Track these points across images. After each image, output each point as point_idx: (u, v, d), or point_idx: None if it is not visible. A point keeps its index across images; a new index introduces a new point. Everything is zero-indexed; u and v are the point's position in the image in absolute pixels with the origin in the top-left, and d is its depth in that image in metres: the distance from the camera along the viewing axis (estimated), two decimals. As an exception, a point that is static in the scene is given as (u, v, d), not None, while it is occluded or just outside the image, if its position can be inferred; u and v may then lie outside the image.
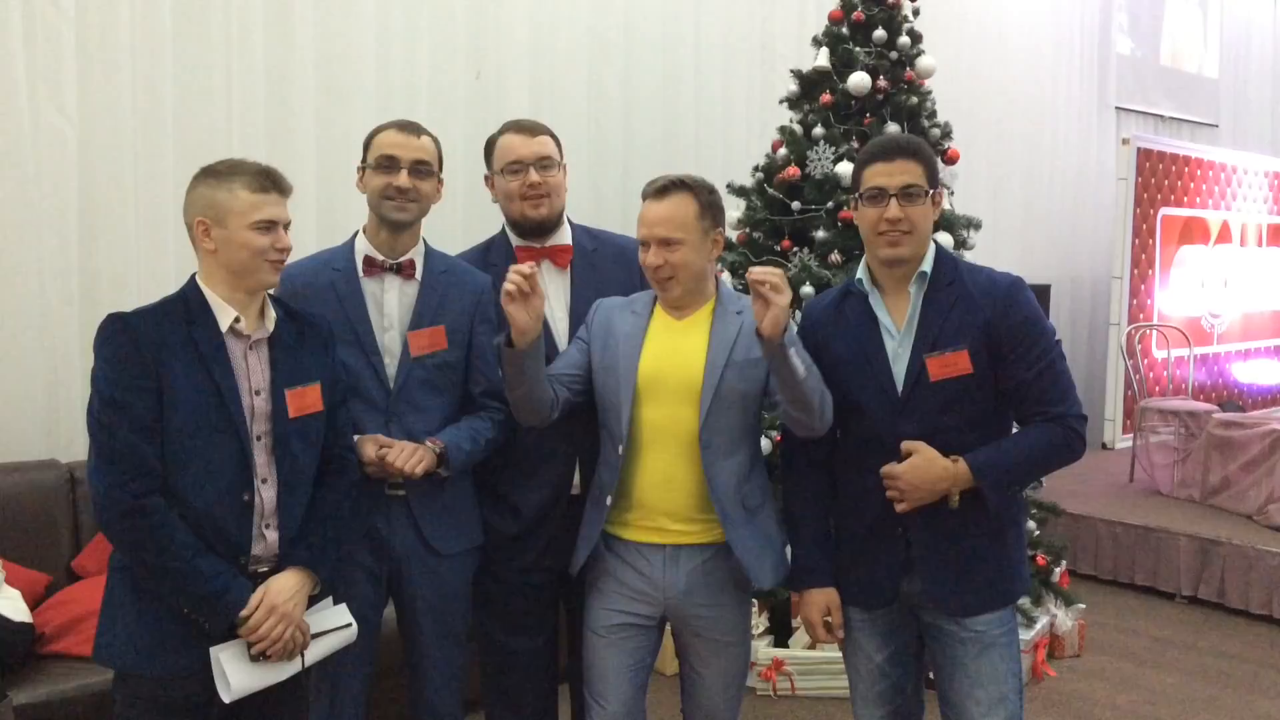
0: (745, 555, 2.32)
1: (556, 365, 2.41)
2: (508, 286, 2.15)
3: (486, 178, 2.68)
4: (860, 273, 2.32)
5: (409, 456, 2.31)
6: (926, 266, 2.26)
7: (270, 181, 2.11)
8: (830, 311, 2.36)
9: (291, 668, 2.14)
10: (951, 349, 2.20)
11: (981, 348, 2.21)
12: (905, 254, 2.23)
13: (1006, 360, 2.22)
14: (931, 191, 2.23)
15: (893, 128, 4.38)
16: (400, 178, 2.41)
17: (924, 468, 2.18)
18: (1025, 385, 2.23)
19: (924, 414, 2.22)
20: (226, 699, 2.04)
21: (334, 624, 2.22)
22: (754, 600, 2.88)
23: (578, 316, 2.56)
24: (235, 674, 2.04)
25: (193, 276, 2.15)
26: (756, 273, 2.08)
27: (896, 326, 2.27)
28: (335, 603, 2.27)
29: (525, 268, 2.16)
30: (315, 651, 2.18)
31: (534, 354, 2.22)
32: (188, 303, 2.10)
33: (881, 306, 2.29)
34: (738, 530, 2.32)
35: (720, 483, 2.31)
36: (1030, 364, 2.22)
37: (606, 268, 2.63)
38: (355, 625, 2.26)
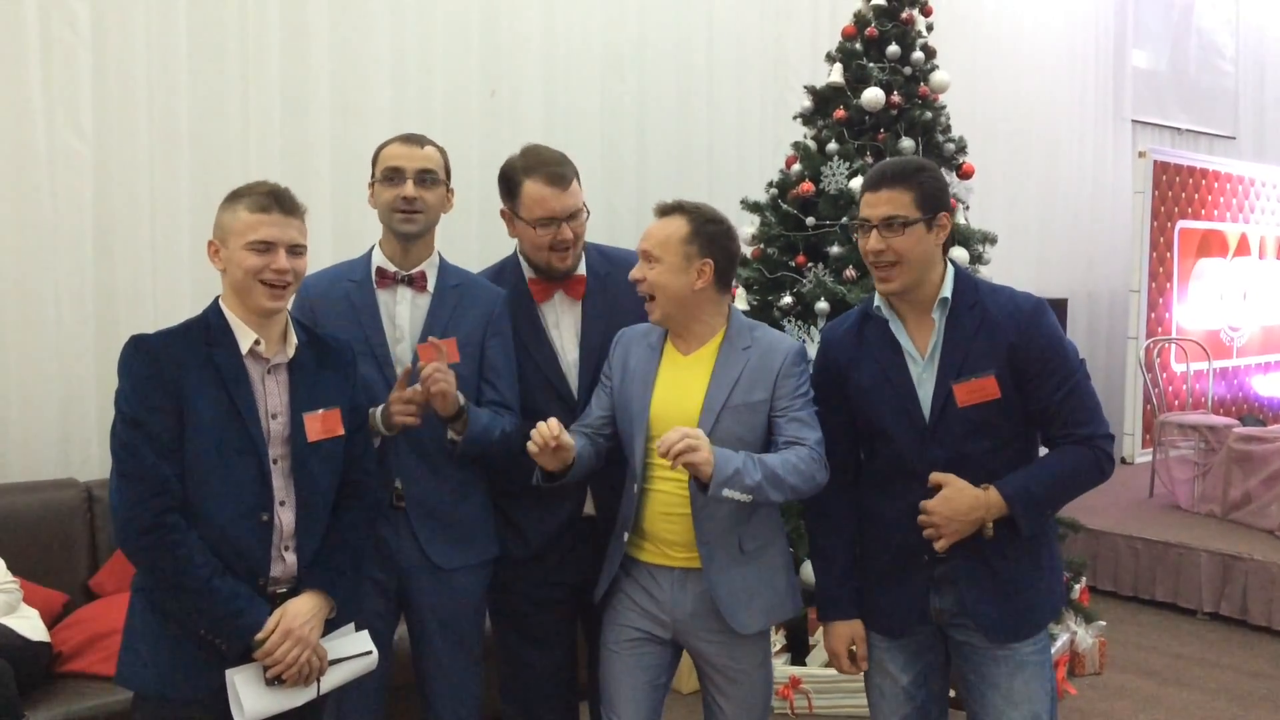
0: (726, 598, 2.27)
1: (589, 416, 2.42)
2: (531, 447, 2.18)
3: (504, 212, 2.59)
4: (879, 298, 2.29)
5: (444, 376, 2.27)
6: (947, 291, 2.22)
7: (273, 201, 2.08)
8: (850, 337, 2.32)
9: (307, 693, 2.12)
10: (979, 375, 2.17)
11: (1007, 372, 2.18)
12: (895, 288, 2.20)
13: (1032, 383, 2.19)
14: (927, 217, 2.16)
15: (907, 143, 4.37)
16: (406, 188, 2.43)
17: (956, 499, 2.15)
18: (1052, 408, 2.20)
19: (952, 440, 2.19)
20: None
21: (353, 651, 2.20)
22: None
23: (588, 348, 2.56)
24: (250, 698, 2.03)
25: (216, 299, 2.16)
26: (662, 449, 2.07)
27: (920, 352, 2.24)
28: (356, 627, 2.25)
29: (549, 429, 2.17)
30: (333, 678, 2.16)
31: (575, 470, 2.30)
32: (209, 325, 2.11)
33: (903, 332, 2.25)
34: (724, 572, 2.28)
35: (709, 525, 2.26)
36: (1056, 386, 2.19)
37: (620, 295, 2.56)
38: (375, 653, 2.24)
